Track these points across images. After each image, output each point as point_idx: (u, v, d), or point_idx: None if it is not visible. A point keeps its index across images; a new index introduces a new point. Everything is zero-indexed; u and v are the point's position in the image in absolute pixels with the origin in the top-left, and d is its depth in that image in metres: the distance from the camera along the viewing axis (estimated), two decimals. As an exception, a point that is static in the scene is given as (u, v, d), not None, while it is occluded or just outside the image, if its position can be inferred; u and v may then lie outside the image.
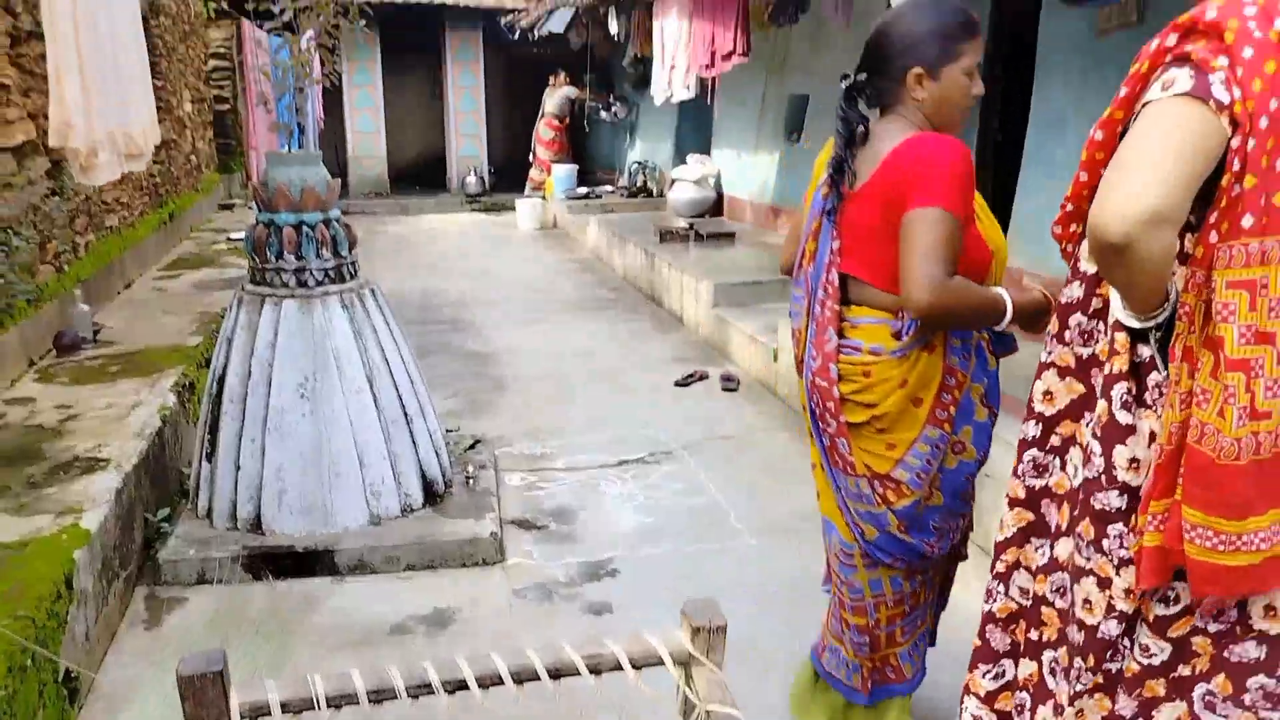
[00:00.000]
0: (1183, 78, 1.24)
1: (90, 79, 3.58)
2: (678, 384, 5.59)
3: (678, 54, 7.28)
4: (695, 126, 10.77)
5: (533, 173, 13.09)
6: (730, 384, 5.56)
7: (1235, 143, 1.21)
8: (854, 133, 1.98)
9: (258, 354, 3.36)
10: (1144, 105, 1.29)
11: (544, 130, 12.93)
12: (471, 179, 13.92)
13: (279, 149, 3.65)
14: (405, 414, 3.57)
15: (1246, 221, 1.22)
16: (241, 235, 7.84)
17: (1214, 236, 1.26)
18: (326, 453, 3.36)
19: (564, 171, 12.51)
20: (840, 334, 2.00)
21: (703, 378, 5.69)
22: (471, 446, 4.29)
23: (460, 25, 13.67)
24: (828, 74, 7.44)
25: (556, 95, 12.86)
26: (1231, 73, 1.20)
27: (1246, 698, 1.42)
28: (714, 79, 7.17)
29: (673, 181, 9.61)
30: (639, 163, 12.21)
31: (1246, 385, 1.24)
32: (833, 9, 5.65)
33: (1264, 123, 1.19)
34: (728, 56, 6.44)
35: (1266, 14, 1.19)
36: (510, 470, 4.26)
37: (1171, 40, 1.29)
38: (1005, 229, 5.70)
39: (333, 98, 12.87)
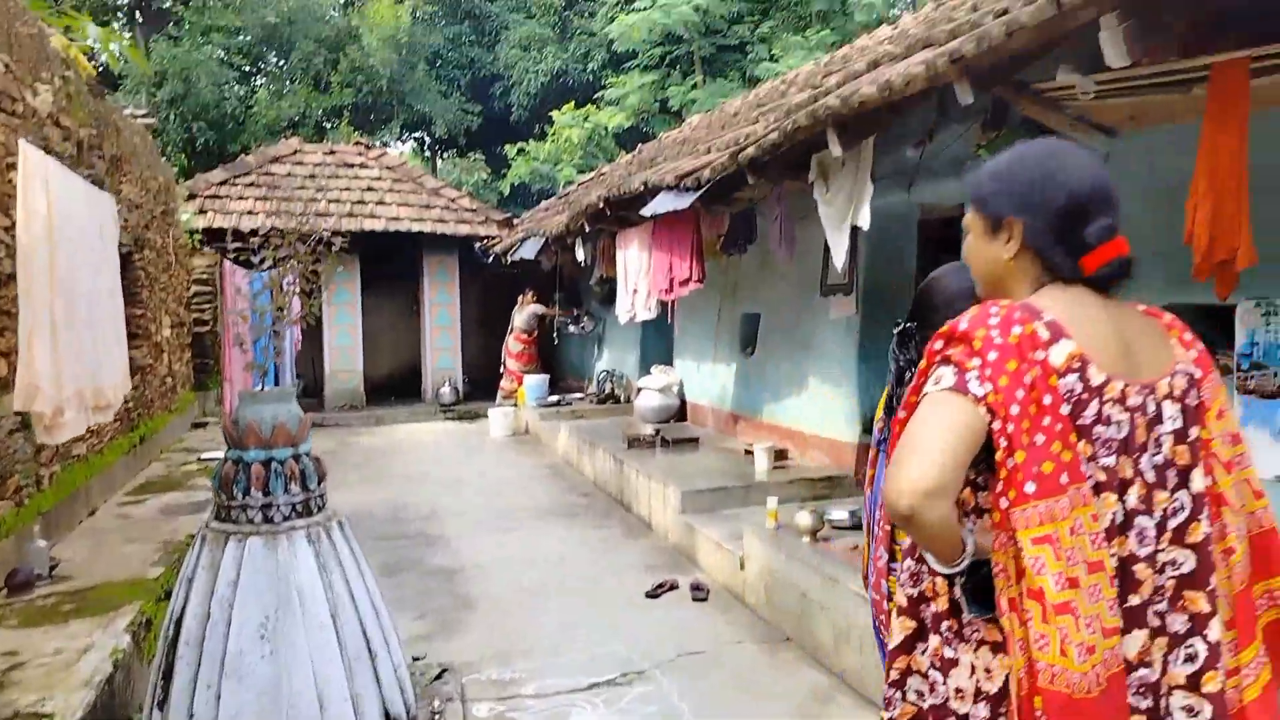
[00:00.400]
0: (947, 374, 1.48)
1: (62, 343, 3.60)
2: (648, 594, 5.50)
3: (639, 280, 7.61)
4: (658, 338, 11.11)
5: (504, 383, 13.32)
6: (700, 593, 5.48)
7: (996, 426, 1.42)
8: (902, 372, 2.18)
9: (218, 594, 3.29)
10: (923, 396, 1.51)
11: (513, 344, 13.26)
12: (446, 389, 14.10)
13: (253, 387, 3.71)
14: (369, 649, 3.47)
15: (1029, 488, 1.41)
16: (214, 455, 7.83)
17: (1004, 503, 1.44)
18: (286, 695, 3.24)
19: (536, 380, 12.72)
20: (890, 554, 2.03)
21: (673, 587, 5.61)
22: (438, 677, 4.15)
23: (437, 250, 14.24)
24: (775, 297, 7.81)
25: (525, 312, 13.26)
26: (982, 371, 1.44)
27: None
28: (673, 300, 7.48)
29: (639, 389, 9.81)
30: (607, 371, 12.48)
31: (1076, 625, 1.38)
32: (777, 243, 6.01)
33: (1014, 409, 1.41)
34: (685, 283, 6.75)
35: (1005, 324, 1.46)
36: (478, 699, 4.10)
37: (939, 345, 1.52)
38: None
39: (312, 317, 13.17)
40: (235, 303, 8.79)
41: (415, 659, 4.29)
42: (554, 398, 12.44)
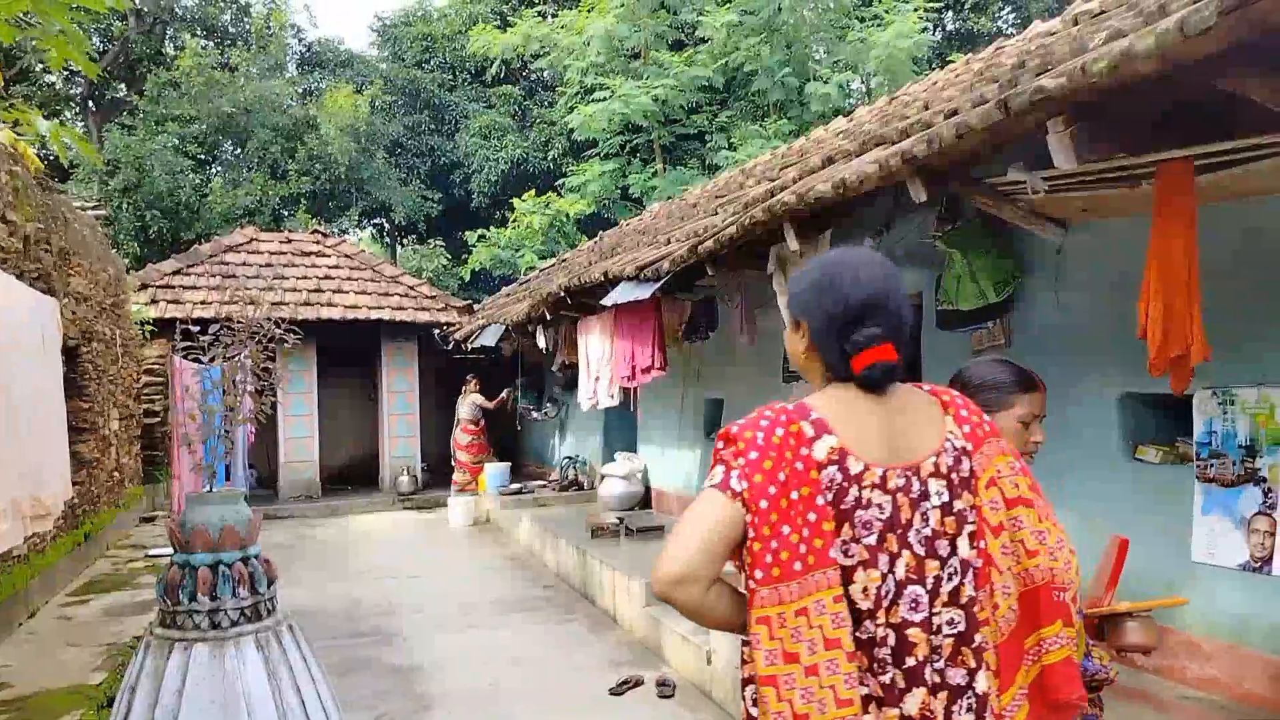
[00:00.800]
0: (717, 472, 1.66)
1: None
2: (612, 692, 5.37)
3: (601, 367, 7.62)
4: (621, 423, 11.07)
5: (456, 475, 13.07)
6: (666, 689, 5.36)
7: (747, 518, 1.61)
8: None
9: (162, 703, 3.16)
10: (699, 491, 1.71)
11: (460, 435, 13.03)
12: (404, 478, 13.90)
13: (201, 488, 3.62)
14: (320, 761, 3.33)
15: (758, 574, 1.60)
16: (162, 552, 7.59)
17: (750, 584, 1.62)
18: (231, 815, 3.08)
19: (497, 469, 12.59)
20: None
21: (638, 684, 5.47)
22: (392, 787, 3.98)
23: (396, 337, 14.18)
24: (738, 381, 7.85)
25: (467, 402, 13.07)
26: (743, 470, 1.62)
27: None
28: (636, 386, 7.49)
29: (602, 476, 9.73)
30: (569, 458, 12.39)
31: (778, 696, 1.58)
32: (739, 330, 6.07)
33: (763, 504, 1.60)
34: (647, 370, 6.77)
35: (770, 427, 1.66)
36: (433, 810, 3.95)
37: (720, 445, 1.70)
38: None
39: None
40: (184, 402, 8.63)
41: (369, 770, 4.12)
42: (515, 485, 12.30)
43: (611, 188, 17.23)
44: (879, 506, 1.63)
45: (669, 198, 12.88)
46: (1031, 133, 2.98)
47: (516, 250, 17.63)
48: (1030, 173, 3.58)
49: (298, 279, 13.78)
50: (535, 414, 13.42)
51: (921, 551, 1.65)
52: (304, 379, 13.64)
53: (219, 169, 20.87)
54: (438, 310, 14.16)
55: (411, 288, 14.49)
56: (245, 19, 21.79)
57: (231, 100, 18.58)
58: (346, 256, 14.77)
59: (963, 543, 1.68)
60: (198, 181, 18.14)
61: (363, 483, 14.78)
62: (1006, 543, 1.71)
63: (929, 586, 1.64)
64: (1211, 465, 3.84)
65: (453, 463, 13.17)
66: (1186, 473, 3.97)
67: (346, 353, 14.40)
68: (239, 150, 20.36)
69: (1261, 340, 3.66)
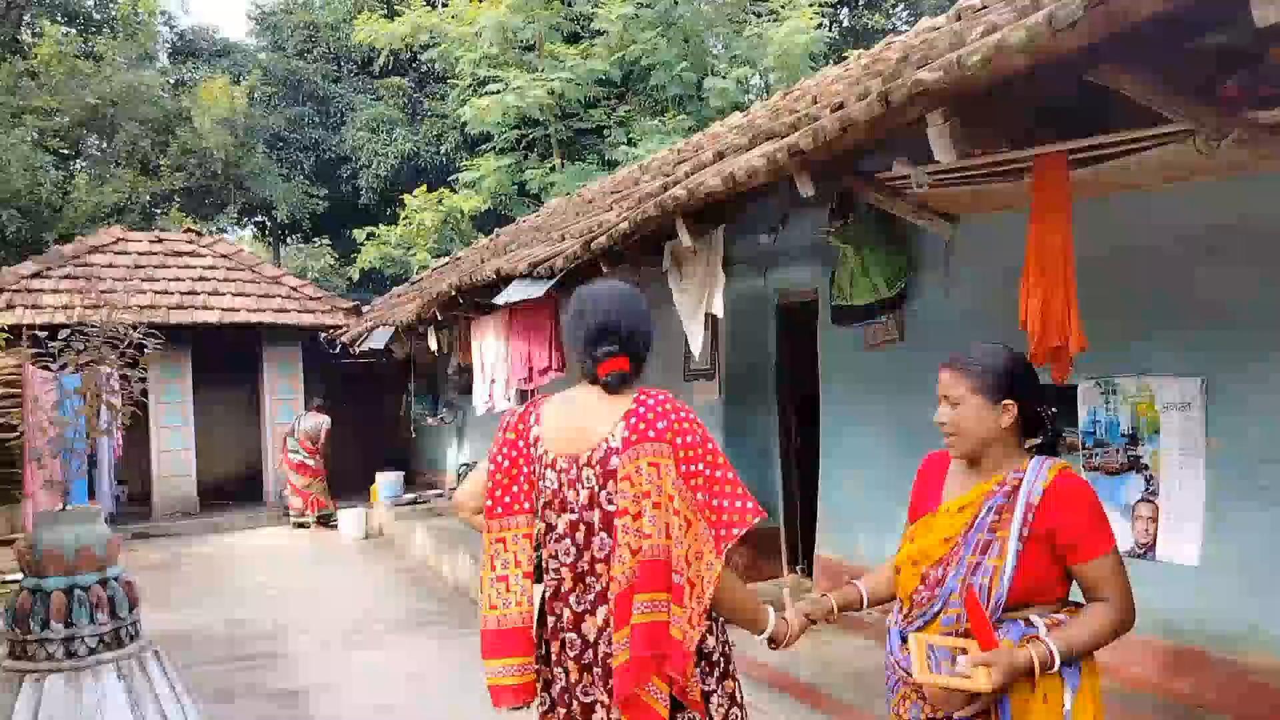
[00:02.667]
0: (491, 444, 2.55)
1: None
2: (514, 707, 5.31)
3: (497, 369, 7.55)
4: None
5: (293, 502, 12.53)
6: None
7: (490, 470, 2.46)
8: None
9: (14, 743, 3.00)
10: None
11: (291, 455, 12.45)
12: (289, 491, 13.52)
13: (56, 505, 3.45)
14: (190, 795, 3.21)
15: (486, 509, 2.43)
16: (11, 578, 7.19)
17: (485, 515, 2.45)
18: None
19: (389, 478, 12.36)
20: None
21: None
22: (272, 818, 3.87)
23: (279, 342, 13.77)
24: (638, 380, 7.86)
25: (309, 421, 12.58)
26: (497, 441, 2.48)
27: None
28: (534, 389, 7.44)
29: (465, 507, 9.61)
30: (467, 465, 12.24)
31: (481, 589, 2.47)
32: (636, 327, 6.07)
33: (497, 463, 2.44)
34: (544, 371, 6.73)
35: (517, 414, 2.52)
36: (319, 840, 3.85)
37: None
38: (813, 519, 6.03)
39: (136, 417, 12.52)
40: (34, 414, 8.20)
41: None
42: (410, 495, 12.11)
43: (507, 183, 17.08)
44: (552, 480, 2.37)
45: (567, 194, 12.83)
46: (914, 127, 3.07)
47: (408, 249, 17.33)
48: (914, 167, 3.70)
49: (170, 281, 13.26)
50: (430, 420, 13.21)
51: (574, 518, 2.35)
52: (178, 388, 13.14)
53: (83, 165, 19.95)
54: (323, 313, 13.82)
55: (295, 289, 14.10)
56: (111, 4, 20.80)
57: (96, 91, 17.75)
58: (223, 257, 14.28)
59: (596, 514, 2.32)
60: (59, 178, 17.31)
61: (246, 498, 14.30)
62: (629, 523, 2.25)
63: (578, 544, 2.35)
64: (1096, 454, 4.03)
65: (284, 489, 12.71)
66: (1072, 462, 4.15)
67: (225, 359, 13.93)
68: (105, 145, 19.50)
69: (1141, 331, 3.85)
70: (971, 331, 4.66)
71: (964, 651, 2.17)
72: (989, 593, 2.22)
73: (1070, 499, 2.23)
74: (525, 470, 2.40)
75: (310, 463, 12.34)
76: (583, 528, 2.34)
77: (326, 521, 12.42)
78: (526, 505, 2.39)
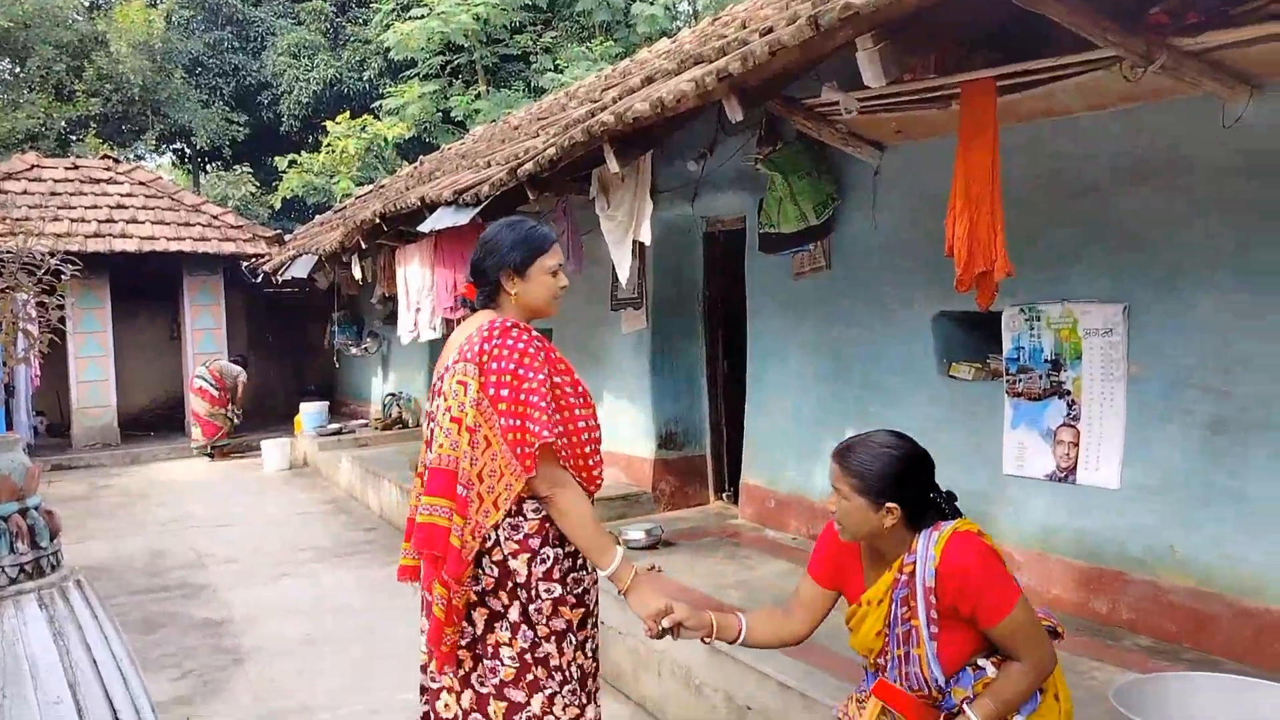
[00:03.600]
0: None
1: None
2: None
3: (422, 298, 7.35)
4: (447, 358, 10.80)
5: (193, 431, 12.23)
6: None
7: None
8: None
9: (-79, 678, 2.83)
10: None
11: (201, 379, 12.06)
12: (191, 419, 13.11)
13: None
14: (112, 724, 3.09)
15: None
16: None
17: None
18: (4, 792, 2.82)
19: (314, 408, 12.08)
20: None
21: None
22: (197, 746, 3.78)
23: (199, 270, 13.26)
24: (566, 311, 7.70)
25: (228, 363, 12.31)
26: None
27: None
28: (460, 317, 7.27)
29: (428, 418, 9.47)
30: (392, 395, 12.02)
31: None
32: (565, 257, 5.93)
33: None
34: (465, 308, 6.56)
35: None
36: (246, 767, 3.78)
37: None
38: (739, 447, 6.04)
39: (54, 347, 12.01)
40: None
41: (172, 730, 3.89)
42: (334, 426, 11.85)
43: (432, 110, 16.58)
44: (436, 389, 2.52)
45: (493, 121, 12.47)
46: (843, 51, 2.98)
47: (331, 177, 16.77)
48: (843, 93, 3.61)
49: (86, 209, 12.67)
50: (354, 349, 12.89)
51: (434, 425, 2.49)
52: (96, 318, 12.63)
53: (-6, 89, 18.85)
54: (245, 241, 13.32)
55: (215, 217, 13.55)
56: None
57: (9, 14, 16.72)
58: (141, 184, 13.64)
59: (444, 418, 2.44)
60: (-31, 103, 16.34)
61: (168, 429, 13.91)
62: (437, 434, 2.42)
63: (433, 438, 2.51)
64: (1020, 380, 4.05)
65: (191, 417, 12.38)
66: (997, 388, 4.19)
67: (145, 289, 13.41)
68: (18, 69, 18.50)
69: (1065, 257, 3.86)
70: (898, 260, 4.68)
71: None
72: (924, 679, 2.27)
73: (960, 572, 2.21)
74: (435, 385, 2.62)
75: (214, 392, 11.98)
76: (435, 428, 2.54)
77: (225, 451, 12.14)
78: (426, 409, 2.70)
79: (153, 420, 14.25)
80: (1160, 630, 3.54)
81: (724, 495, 6.61)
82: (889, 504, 2.26)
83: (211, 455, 12.16)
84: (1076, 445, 3.79)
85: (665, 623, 2.40)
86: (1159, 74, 2.88)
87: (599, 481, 2.55)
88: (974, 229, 2.96)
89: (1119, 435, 3.65)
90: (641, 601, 2.44)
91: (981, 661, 2.27)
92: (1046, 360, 3.93)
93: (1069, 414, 3.84)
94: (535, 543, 2.40)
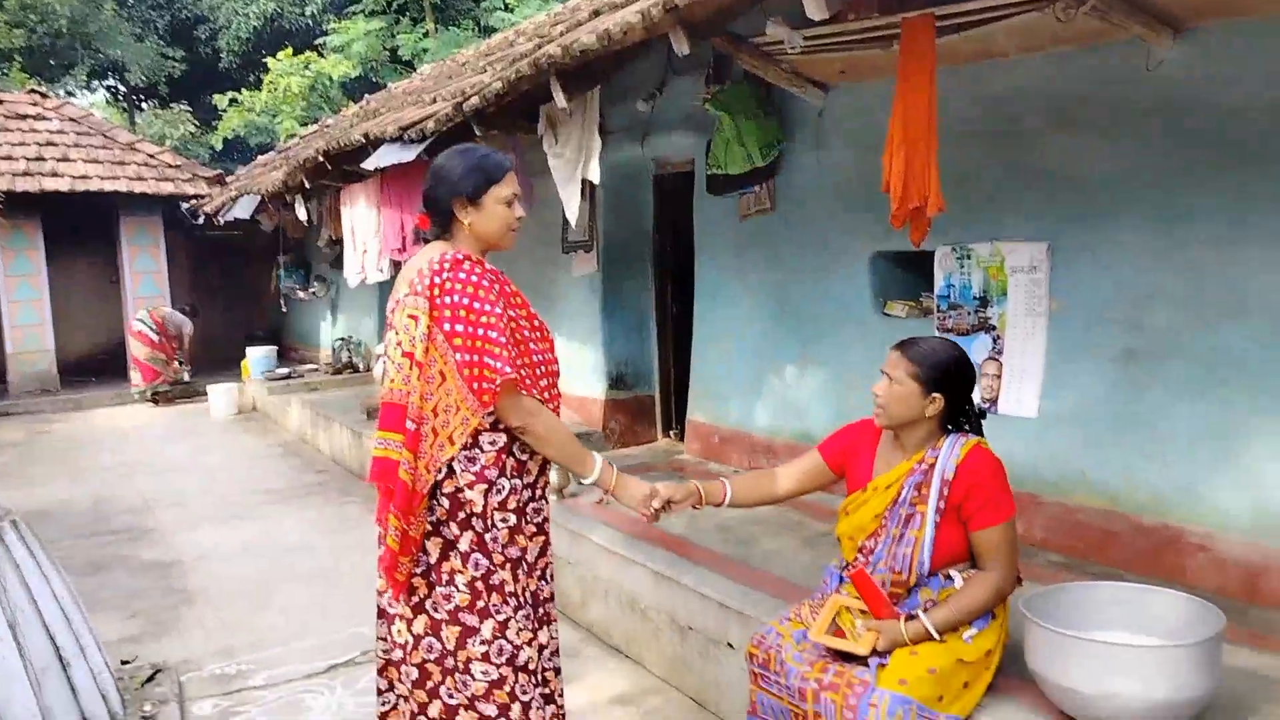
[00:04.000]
0: None
1: None
2: (390, 571, 5.35)
3: (369, 239, 7.31)
4: (397, 301, 10.74)
5: (133, 375, 12.08)
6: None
7: None
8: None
9: None
10: None
11: (141, 323, 11.93)
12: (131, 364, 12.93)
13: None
14: (61, 659, 3.14)
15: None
16: None
17: None
18: (-46, 722, 2.87)
19: (262, 353, 11.97)
20: None
21: (416, 562, 5.48)
22: (150, 679, 3.83)
23: (136, 211, 12.96)
24: (517, 253, 7.71)
25: (174, 312, 12.21)
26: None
27: None
28: (408, 259, 7.25)
29: (378, 357, 9.47)
30: (342, 339, 11.96)
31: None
32: (513, 194, 5.94)
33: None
34: (418, 241, 6.53)
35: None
36: (200, 698, 3.84)
37: None
38: (687, 387, 6.16)
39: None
40: None
41: (124, 663, 3.94)
42: (284, 370, 11.78)
43: (378, 48, 16.26)
44: (388, 324, 2.48)
45: (441, 60, 12.29)
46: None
47: (274, 116, 16.42)
48: (788, 29, 3.66)
49: (14, 146, 12.29)
50: (301, 294, 12.76)
51: (387, 355, 2.45)
52: (29, 259, 12.34)
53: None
54: (184, 181, 13.03)
55: (152, 156, 13.22)
56: None
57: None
58: (72, 120, 13.24)
59: (396, 352, 2.41)
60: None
61: (110, 374, 13.67)
62: (389, 368, 2.40)
63: (389, 376, 2.43)
64: (950, 317, 4.20)
65: (131, 361, 12.23)
66: (928, 325, 4.32)
67: (83, 231, 13.10)
68: (-66, -2, 17.62)
69: (996, 198, 3.98)
70: (840, 201, 4.77)
71: (866, 615, 2.49)
72: (911, 562, 2.50)
73: (977, 472, 2.48)
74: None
75: (153, 336, 11.82)
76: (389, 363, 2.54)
77: (169, 397, 12.01)
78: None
79: (95, 366, 14.01)
80: (1071, 548, 3.78)
81: (671, 433, 6.74)
82: (936, 394, 2.51)
83: (155, 400, 12.04)
84: (1000, 378, 3.96)
85: (655, 503, 2.58)
86: (1089, 15, 2.97)
87: (558, 415, 2.55)
88: (910, 165, 3.06)
89: (1039, 368, 3.83)
90: (630, 494, 2.60)
91: (953, 572, 2.52)
92: (975, 297, 4.07)
93: (994, 348, 4.00)
94: (492, 474, 2.42)
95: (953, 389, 2.55)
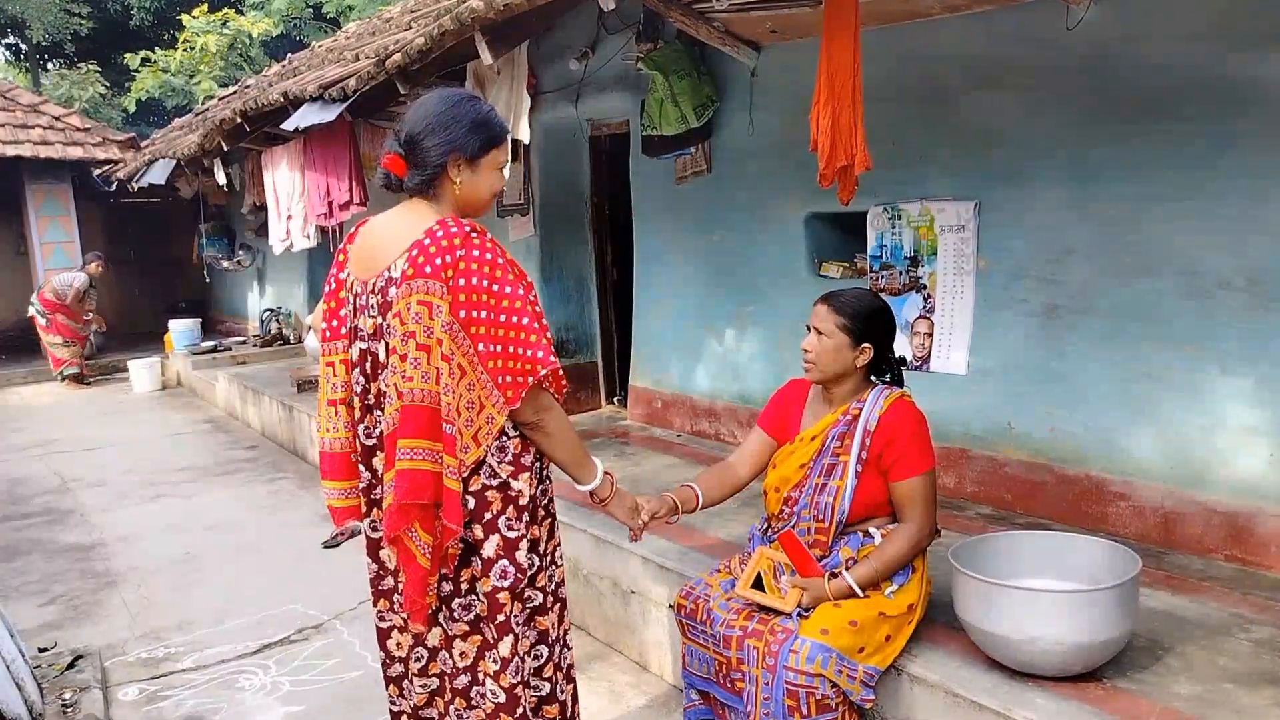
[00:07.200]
0: None
1: None
2: (326, 545, 5.36)
3: (293, 204, 7.21)
4: (327, 270, 10.64)
5: (56, 353, 11.61)
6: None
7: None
8: None
9: None
10: None
11: (34, 308, 11.52)
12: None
13: None
14: (-27, 644, 3.13)
15: (325, 334, 2.41)
16: None
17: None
18: None
19: (185, 325, 11.77)
20: None
21: (354, 534, 5.45)
22: (71, 665, 3.82)
23: (43, 178, 12.59)
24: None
25: (58, 278, 11.59)
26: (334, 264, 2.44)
27: None
28: (338, 225, 7.18)
29: (309, 327, 9.38)
30: (270, 310, 11.81)
31: (317, 417, 2.45)
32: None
33: (328, 287, 2.41)
34: (345, 206, 6.48)
35: (352, 233, 2.40)
36: (125, 683, 3.84)
37: None
38: (629, 352, 6.23)
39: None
40: None
41: (42, 650, 3.93)
42: (209, 343, 11.60)
43: (301, 5, 15.93)
44: (349, 305, 2.32)
45: (367, 16, 12.07)
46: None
47: (191, 77, 16.02)
48: (717, -14, 3.70)
49: (-95, 109, 11.86)
50: (225, 263, 12.53)
51: (365, 347, 2.29)
52: (-70, 231, 11.95)
53: None
54: (94, 145, 12.67)
55: (58, 119, 12.83)
56: None
57: None
58: (-31, 81, 12.80)
59: (382, 345, 2.24)
60: None
61: (22, 350, 13.33)
62: (396, 363, 2.15)
63: (366, 374, 2.30)
64: (882, 276, 4.32)
65: (41, 344, 11.83)
66: (863, 285, 4.44)
67: (-17, 199, 12.72)
68: None
69: (925, 157, 4.09)
70: (774, 162, 4.84)
71: (791, 572, 2.61)
72: (832, 510, 2.61)
73: (899, 424, 2.59)
74: (340, 294, 2.35)
75: (43, 320, 11.41)
76: (370, 359, 2.27)
77: (76, 379, 11.70)
78: (343, 330, 2.34)
79: (6, 343, 13.65)
80: (999, 500, 3.97)
81: (614, 399, 6.80)
82: (865, 344, 2.63)
83: (69, 383, 11.73)
84: (931, 336, 4.10)
85: (644, 516, 2.63)
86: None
87: (565, 390, 2.36)
88: (836, 122, 3.13)
89: (968, 325, 3.99)
90: (624, 508, 2.57)
91: (872, 529, 2.64)
92: (906, 257, 4.20)
93: (925, 307, 4.14)
94: (528, 459, 2.29)
95: (880, 337, 2.67)
